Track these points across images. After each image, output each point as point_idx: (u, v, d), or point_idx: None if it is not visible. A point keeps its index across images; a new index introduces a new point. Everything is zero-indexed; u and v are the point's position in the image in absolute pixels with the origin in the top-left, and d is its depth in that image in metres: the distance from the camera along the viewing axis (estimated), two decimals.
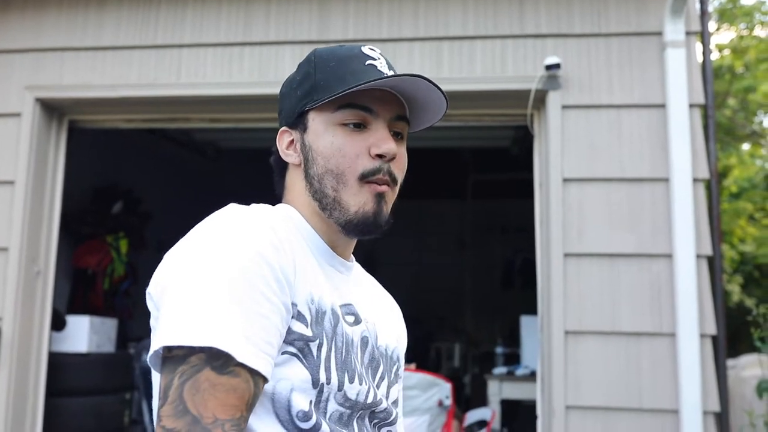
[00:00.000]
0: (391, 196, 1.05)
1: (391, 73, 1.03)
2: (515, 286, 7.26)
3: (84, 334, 4.30)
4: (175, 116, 3.81)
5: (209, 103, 3.62)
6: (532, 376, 4.23)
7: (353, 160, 1.00)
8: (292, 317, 0.91)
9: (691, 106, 3.23)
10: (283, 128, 1.09)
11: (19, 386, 3.45)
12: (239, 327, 0.84)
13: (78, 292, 5.16)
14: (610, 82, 3.30)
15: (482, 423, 4.00)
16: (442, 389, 3.06)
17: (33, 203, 3.56)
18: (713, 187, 3.38)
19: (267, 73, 3.50)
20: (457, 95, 3.36)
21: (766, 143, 9.50)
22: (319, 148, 1.02)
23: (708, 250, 3.18)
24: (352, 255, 1.13)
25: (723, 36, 9.28)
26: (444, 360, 6.96)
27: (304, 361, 0.92)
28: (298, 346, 0.92)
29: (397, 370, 1.14)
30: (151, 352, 0.87)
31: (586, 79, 3.31)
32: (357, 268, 1.14)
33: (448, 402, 3.07)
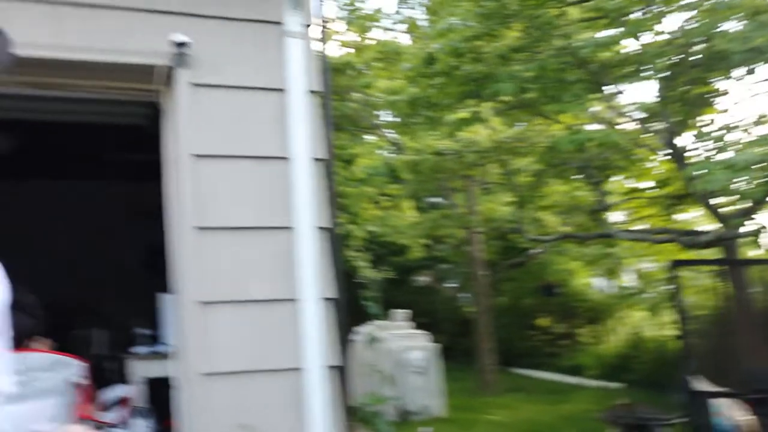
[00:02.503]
0: None
1: None
2: (159, 269, 7.16)
3: None
4: None
5: None
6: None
7: None
8: None
9: (311, 92, 3.56)
10: None
11: None
12: None
13: None
14: (237, 64, 3.49)
15: (121, 400, 3.93)
16: (73, 368, 2.96)
17: None
18: (329, 167, 3.78)
19: None
20: (81, 65, 3.25)
21: (386, 135, 10.77)
22: None
23: (327, 222, 3.53)
24: None
25: (348, 36, 10.27)
26: (85, 347, 6.61)
27: None
28: None
29: None
30: None
31: (215, 59, 3.44)
32: None
33: (81, 381, 2.97)
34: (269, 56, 3.54)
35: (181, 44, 3.30)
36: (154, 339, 5.02)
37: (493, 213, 10.19)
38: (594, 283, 14.80)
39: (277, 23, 3.56)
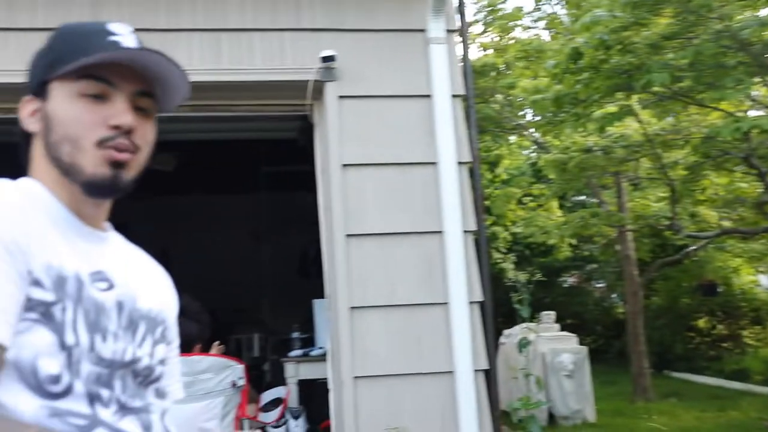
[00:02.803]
0: (135, 163, 1.07)
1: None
2: (311, 275, 7.45)
3: None
4: None
5: None
6: (325, 356, 4.42)
7: (90, 127, 1.02)
8: (30, 285, 0.92)
9: (454, 96, 3.58)
10: (28, 97, 1.10)
11: None
12: None
13: None
14: (381, 73, 3.56)
15: (278, 401, 4.12)
16: (235, 371, 3.14)
17: None
18: (476, 170, 3.77)
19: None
20: (238, 85, 3.45)
21: (530, 134, 10.56)
22: (58, 116, 1.04)
23: (473, 226, 3.53)
24: (108, 225, 1.15)
25: (487, 38, 10.18)
26: (244, 351, 7.00)
27: (48, 324, 0.93)
28: (39, 311, 0.93)
29: (164, 331, 1.16)
30: None
31: (360, 71, 3.54)
32: (115, 238, 1.16)
33: (242, 383, 3.15)
34: (413, 63, 3.59)
35: (328, 58, 3.42)
36: (309, 342, 5.21)
37: (645, 209, 9.72)
38: (761, 281, 13.72)
39: (420, 30, 3.61)
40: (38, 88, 1.07)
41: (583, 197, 13.00)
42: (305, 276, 7.62)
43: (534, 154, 11.27)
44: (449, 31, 3.65)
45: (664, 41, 5.47)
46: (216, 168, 6.81)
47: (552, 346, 7.97)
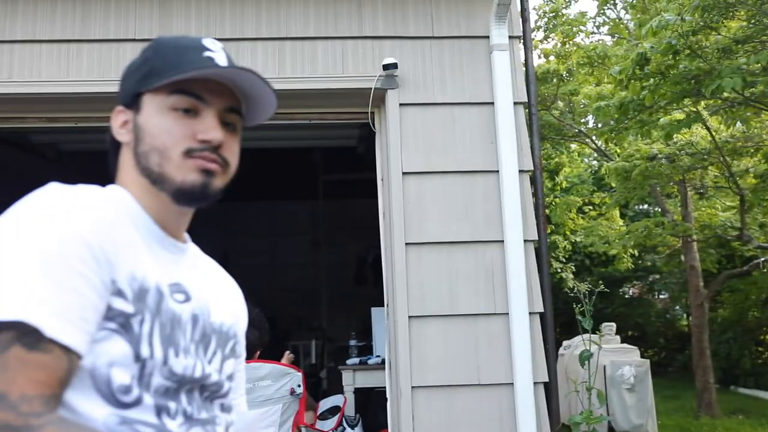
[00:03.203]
0: (222, 175, 1.08)
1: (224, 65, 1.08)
2: (368, 282, 7.47)
3: None
4: (8, 116, 3.64)
5: (45, 102, 3.50)
6: (383, 365, 4.41)
7: (179, 139, 1.04)
8: (112, 294, 0.93)
9: (516, 104, 3.52)
10: (119, 108, 1.12)
11: None
12: (50, 302, 0.85)
13: None
14: (443, 81, 3.54)
15: (335, 409, 4.12)
16: (293, 378, 3.15)
17: None
18: (537, 178, 3.71)
19: (108, 71, 3.43)
20: (300, 93, 3.48)
21: (591, 142, 10.37)
22: (149, 128, 1.05)
23: (534, 235, 3.47)
24: (187, 237, 1.16)
25: (550, 43, 10.04)
26: (301, 357, 7.05)
27: (125, 335, 0.93)
28: (118, 322, 0.93)
29: (234, 346, 1.16)
30: None
31: (421, 78, 3.53)
32: (192, 249, 1.17)
33: (300, 390, 3.16)
34: (475, 70, 3.56)
35: (390, 66, 3.41)
36: (366, 350, 5.21)
37: (712, 219, 9.42)
38: None
39: (483, 37, 3.57)
40: (130, 99, 1.09)
41: (646, 206, 12.69)
42: (362, 283, 7.64)
43: (595, 162, 11.04)
44: (512, 38, 3.60)
45: (735, 45, 5.28)
46: (276, 175, 6.89)
47: (613, 358, 7.79)
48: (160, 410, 0.96)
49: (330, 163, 6.47)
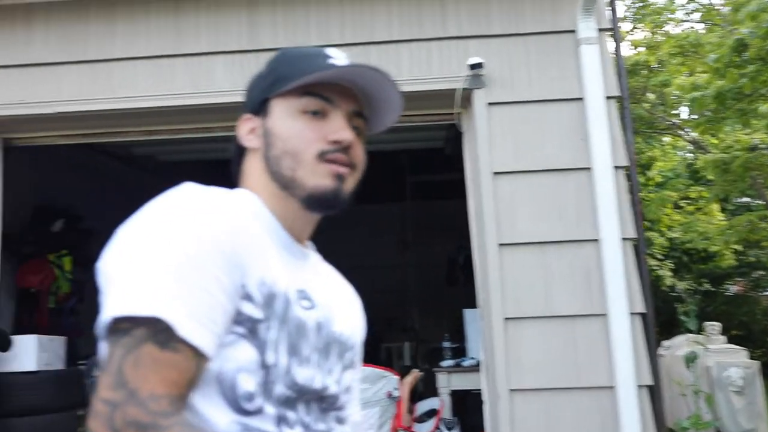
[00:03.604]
0: (351, 179, 1.07)
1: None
2: (459, 282, 7.43)
3: (32, 352, 4.24)
4: (111, 130, 3.82)
5: (144, 116, 3.65)
6: (478, 367, 4.36)
7: (311, 142, 1.04)
8: (242, 299, 0.92)
9: (607, 98, 3.41)
10: (246, 115, 1.13)
11: None
12: (185, 303, 0.85)
13: (23, 311, 5.08)
14: (530, 78, 3.47)
15: (432, 412, 4.11)
16: (390, 381, 3.17)
17: None
18: (633, 174, 3.59)
19: (199, 83, 3.55)
20: None
21: (685, 134, 9.95)
22: (279, 131, 1.06)
23: (632, 233, 3.35)
24: (310, 243, 1.15)
25: (638, 34, 9.70)
26: (395, 359, 7.07)
27: (253, 341, 0.93)
28: (247, 327, 0.93)
29: (353, 356, 1.14)
30: (99, 327, 0.87)
31: (507, 76, 3.47)
32: (315, 256, 1.16)
33: (397, 393, 3.17)
34: (563, 66, 3.47)
35: (475, 66, 3.38)
36: (460, 352, 5.16)
37: None
38: None
39: (570, 32, 3.48)
40: (258, 106, 1.11)
41: (747, 199, 12.06)
42: (453, 284, 7.60)
43: (690, 155, 10.58)
44: (600, 30, 3.49)
45: None
46: (364, 178, 6.94)
47: (719, 359, 7.42)
48: (280, 420, 0.96)
49: (417, 165, 6.47)
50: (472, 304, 3.81)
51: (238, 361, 0.92)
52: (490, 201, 3.36)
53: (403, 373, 5.96)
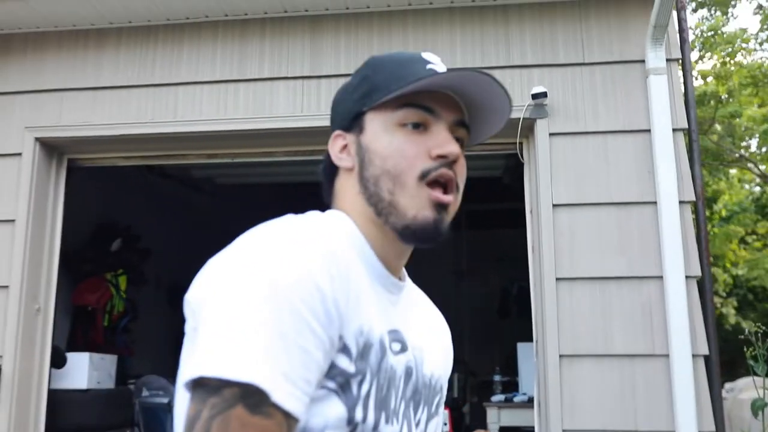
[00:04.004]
0: (453, 206, 0.97)
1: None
2: (512, 315, 7.29)
3: (84, 370, 4.31)
4: (172, 153, 3.88)
5: (205, 139, 3.70)
6: (529, 403, 4.25)
7: (413, 160, 0.94)
8: (338, 351, 0.83)
9: (675, 130, 3.31)
10: (337, 132, 1.03)
11: (19, 424, 3.46)
12: (279, 363, 0.76)
13: (78, 329, 5.19)
14: (596, 108, 3.39)
15: None
16: None
17: (33, 241, 3.61)
18: (700, 209, 3.45)
19: (262, 108, 3.58)
20: None
21: (754, 167, 9.62)
22: (377, 148, 0.96)
23: (697, 271, 3.23)
24: (404, 272, 1.05)
25: (706, 64, 9.46)
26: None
27: (343, 397, 0.84)
28: (338, 382, 0.84)
29: (439, 401, 1.05)
30: (185, 377, 0.79)
31: (571, 106, 3.40)
32: (408, 285, 1.06)
33: (446, 428, 3.09)
34: (629, 96, 3.39)
35: (539, 95, 3.32)
36: (511, 387, 5.05)
37: None
38: None
39: (637, 62, 3.40)
40: (349, 121, 1.01)
41: None
42: (506, 315, 7.47)
43: (758, 189, 10.20)
44: (669, 61, 3.40)
45: None
46: None
47: None
48: None
49: (474, 193, 6.40)
50: (524, 337, 3.71)
51: (326, 417, 0.83)
52: (549, 233, 3.28)
53: (452, 406, 5.86)
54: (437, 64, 1.00)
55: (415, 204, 0.93)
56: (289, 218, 0.90)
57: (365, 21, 3.62)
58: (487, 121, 1.03)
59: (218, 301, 0.80)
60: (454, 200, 0.96)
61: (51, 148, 3.78)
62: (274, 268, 0.80)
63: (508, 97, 0.98)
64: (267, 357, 0.75)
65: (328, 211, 1.00)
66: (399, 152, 0.94)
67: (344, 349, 0.84)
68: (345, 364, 0.84)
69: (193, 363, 0.78)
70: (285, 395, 0.76)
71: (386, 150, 0.95)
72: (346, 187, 1.00)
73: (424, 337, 1.02)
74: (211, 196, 6.30)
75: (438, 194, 0.94)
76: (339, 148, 1.02)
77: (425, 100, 0.96)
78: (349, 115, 1.01)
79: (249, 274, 0.80)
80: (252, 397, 0.74)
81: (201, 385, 0.76)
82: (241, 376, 0.74)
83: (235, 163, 4.16)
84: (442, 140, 0.95)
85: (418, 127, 0.96)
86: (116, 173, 4.68)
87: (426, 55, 1.01)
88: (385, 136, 0.96)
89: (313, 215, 0.95)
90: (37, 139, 3.68)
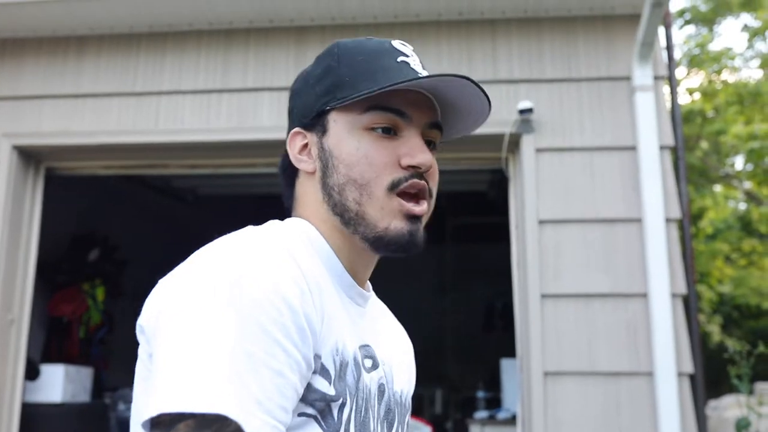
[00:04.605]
0: (426, 214, 0.90)
1: (425, 72, 0.90)
2: (496, 330, 7.25)
3: (59, 383, 4.21)
4: (153, 162, 3.82)
5: (187, 150, 3.65)
6: (513, 420, 4.20)
7: (381, 169, 0.86)
8: (314, 372, 0.76)
9: (662, 147, 3.30)
10: (296, 129, 0.94)
11: None
12: (250, 390, 0.68)
13: (53, 340, 5.09)
14: (582, 125, 3.37)
15: None
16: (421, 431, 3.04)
17: (8, 251, 3.53)
18: (686, 227, 3.44)
19: (246, 119, 3.53)
20: None
21: (739, 184, 9.68)
22: (341, 154, 0.88)
23: (682, 289, 3.21)
24: (368, 284, 0.98)
25: (693, 80, 9.53)
26: (426, 406, 6.89)
27: (323, 423, 0.77)
28: (318, 408, 0.77)
29: (408, 416, 1.00)
30: (142, 417, 0.71)
31: (558, 122, 3.38)
32: (373, 296, 1.00)
33: None
34: (616, 113, 3.37)
35: (525, 110, 3.30)
36: (494, 403, 5.00)
37: None
38: None
39: (624, 78, 3.39)
40: (311, 119, 0.92)
41: None
42: (490, 330, 7.43)
43: (743, 206, 10.26)
44: (656, 78, 3.39)
45: None
46: None
47: None
48: None
49: (458, 208, 6.37)
50: (509, 352, 3.66)
51: None
52: (534, 249, 3.25)
53: (435, 422, 5.80)
54: (409, 55, 0.92)
55: (385, 215, 0.86)
56: (249, 229, 0.83)
57: (351, 32, 3.59)
58: (463, 120, 0.96)
59: (174, 325, 0.72)
60: (427, 208, 0.90)
61: (29, 156, 3.70)
62: (235, 283, 0.72)
63: (487, 99, 0.91)
64: (236, 385, 0.67)
65: (289, 219, 0.93)
66: (366, 160, 0.86)
67: (322, 370, 0.77)
68: (324, 386, 0.77)
69: (151, 399, 0.69)
70: (260, 426, 0.67)
71: (352, 157, 0.87)
72: (309, 192, 0.92)
73: (390, 352, 0.96)
74: (192, 207, 6.23)
75: (410, 206, 0.87)
76: (299, 148, 0.93)
77: (396, 101, 0.87)
78: (310, 112, 0.92)
79: (207, 293, 0.72)
80: (226, 429, 0.66)
81: (164, 424, 0.67)
82: (207, 407, 0.66)
83: (217, 174, 4.11)
84: (413, 148, 0.88)
85: (389, 132, 0.88)
86: (95, 182, 4.61)
87: (396, 44, 0.92)
88: (351, 141, 0.87)
89: (274, 225, 0.88)
90: (14, 146, 3.60)
